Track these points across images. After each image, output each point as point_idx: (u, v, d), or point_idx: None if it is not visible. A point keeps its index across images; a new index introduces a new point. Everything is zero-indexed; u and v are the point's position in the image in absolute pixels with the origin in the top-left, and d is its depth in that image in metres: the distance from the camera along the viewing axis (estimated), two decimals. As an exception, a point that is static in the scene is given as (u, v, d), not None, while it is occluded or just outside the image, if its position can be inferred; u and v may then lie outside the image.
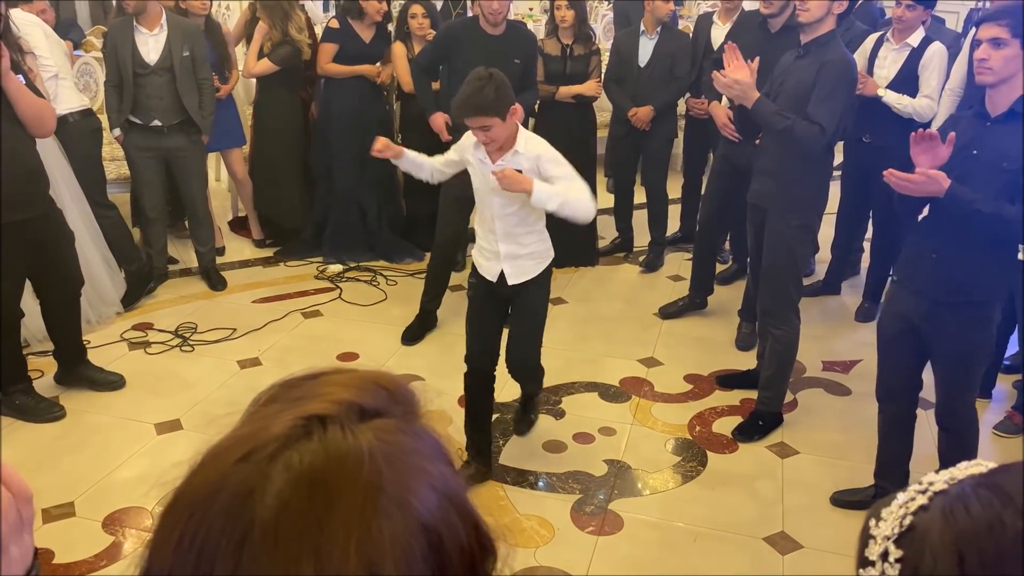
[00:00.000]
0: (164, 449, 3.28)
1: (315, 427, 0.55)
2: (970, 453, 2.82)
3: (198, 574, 0.51)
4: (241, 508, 0.51)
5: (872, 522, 0.71)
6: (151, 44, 4.25)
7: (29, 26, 3.82)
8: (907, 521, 0.68)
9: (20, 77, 3.14)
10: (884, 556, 0.68)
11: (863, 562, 0.70)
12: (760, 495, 3.14)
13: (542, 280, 3.07)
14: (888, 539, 0.68)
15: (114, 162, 4.85)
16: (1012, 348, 4.00)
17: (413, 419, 0.60)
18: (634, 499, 3.10)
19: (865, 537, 0.71)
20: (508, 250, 2.97)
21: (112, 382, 3.66)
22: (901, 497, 0.70)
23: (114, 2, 4.54)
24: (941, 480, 0.69)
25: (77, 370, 3.64)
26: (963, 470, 0.70)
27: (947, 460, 2.84)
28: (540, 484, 3.17)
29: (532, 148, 2.87)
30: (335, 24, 4.83)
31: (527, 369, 3.26)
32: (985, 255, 2.56)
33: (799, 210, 3.29)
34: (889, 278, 4.65)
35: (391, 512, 0.52)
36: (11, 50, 3.13)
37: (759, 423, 3.49)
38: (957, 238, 2.57)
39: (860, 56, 4.34)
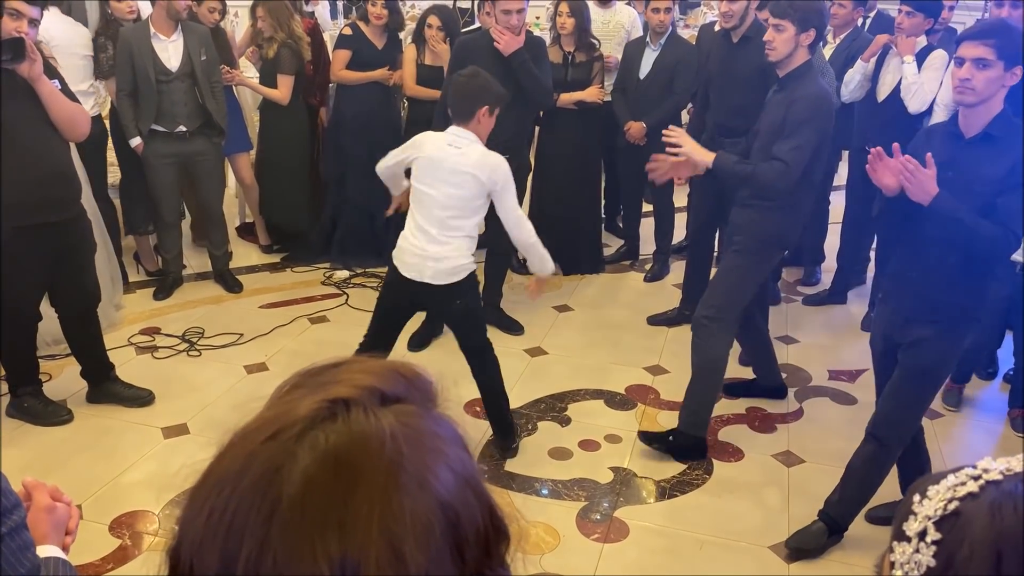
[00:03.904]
0: (171, 453, 3.29)
1: (339, 409, 0.57)
2: (882, 473, 2.78)
3: (227, 547, 0.53)
4: (269, 484, 0.54)
5: (916, 498, 0.69)
6: (171, 50, 4.27)
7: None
8: (952, 506, 0.66)
9: (56, 82, 3.18)
10: (922, 535, 0.66)
11: (899, 535, 0.68)
12: (766, 503, 3.14)
13: (465, 288, 3.18)
14: (929, 519, 0.67)
15: (112, 167, 4.86)
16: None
17: (431, 406, 0.63)
18: (640, 506, 3.10)
19: (905, 511, 0.69)
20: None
21: (141, 398, 3.60)
22: (951, 479, 0.68)
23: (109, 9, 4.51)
24: (996, 470, 0.68)
25: (104, 387, 3.60)
26: (1021, 461, 0.68)
27: (861, 471, 2.81)
28: (545, 491, 3.17)
29: (480, 153, 3.09)
30: (348, 31, 4.91)
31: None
32: (961, 276, 2.53)
33: (766, 239, 3.26)
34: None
35: (411, 490, 0.54)
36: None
37: (667, 437, 3.37)
38: (936, 258, 2.54)
39: (859, 69, 4.35)
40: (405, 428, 0.57)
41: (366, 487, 0.53)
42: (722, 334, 3.30)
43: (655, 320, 4.53)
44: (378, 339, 3.30)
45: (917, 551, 0.66)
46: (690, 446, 3.35)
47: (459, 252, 3.11)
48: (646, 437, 3.40)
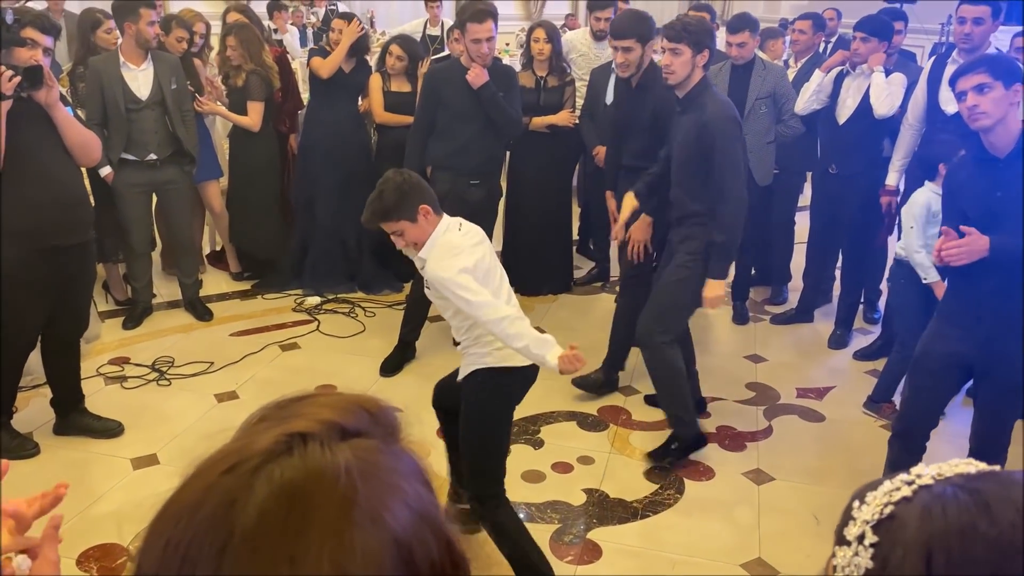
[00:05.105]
0: (140, 484, 3.25)
1: (296, 444, 0.58)
2: None
3: None
4: (224, 517, 0.55)
5: (856, 503, 0.72)
6: (141, 79, 4.27)
7: None
8: (888, 510, 0.69)
9: (69, 109, 3.21)
10: (860, 539, 0.70)
11: (840, 540, 0.72)
12: (737, 521, 3.16)
13: (472, 386, 2.72)
14: (867, 523, 0.70)
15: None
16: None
17: (393, 441, 0.63)
18: (612, 528, 3.12)
19: (847, 516, 0.72)
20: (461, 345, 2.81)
21: (110, 429, 3.56)
22: (887, 484, 0.72)
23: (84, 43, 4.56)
24: (929, 475, 0.71)
25: (72, 418, 3.55)
26: (952, 467, 0.72)
27: None
28: (520, 514, 3.17)
29: (433, 266, 2.57)
30: (317, 48, 5.15)
31: (468, 467, 2.84)
32: None
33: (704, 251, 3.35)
34: (861, 311, 4.77)
35: (364, 525, 0.55)
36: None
37: (671, 446, 3.49)
38: (1006, 274, 2.58)
39: (816, 79, 4.43)
40: (361, 463, 0.58)
41: (318, 522, 0.54)
42: (667, 346, 3.43)
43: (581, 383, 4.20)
44: None
45: (856, 554, 0.69)
46: (692, 444, 3.51)
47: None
48: (657, 455, 3.48)
